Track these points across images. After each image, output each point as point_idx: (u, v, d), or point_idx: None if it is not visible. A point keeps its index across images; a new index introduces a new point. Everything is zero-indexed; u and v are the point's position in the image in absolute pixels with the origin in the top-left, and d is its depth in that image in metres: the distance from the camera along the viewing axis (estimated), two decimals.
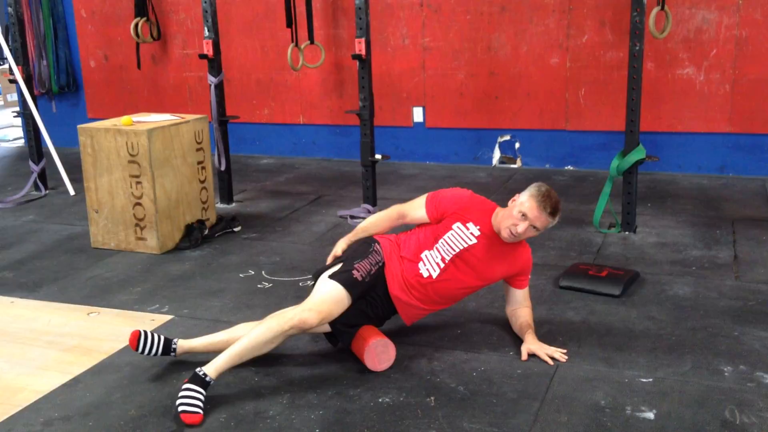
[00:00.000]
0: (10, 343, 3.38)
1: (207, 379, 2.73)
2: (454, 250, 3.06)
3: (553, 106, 6.40)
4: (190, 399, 2.67)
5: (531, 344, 3.08)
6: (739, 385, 2.80)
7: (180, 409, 2.65)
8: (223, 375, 2.83)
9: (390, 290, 3.07)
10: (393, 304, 3.11)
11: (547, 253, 4.36)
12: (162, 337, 3.04)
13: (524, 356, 3.04)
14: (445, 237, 3.09)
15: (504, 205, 3.14)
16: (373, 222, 3.28)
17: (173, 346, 3.04)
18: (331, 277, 3.00)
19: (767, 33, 5.73)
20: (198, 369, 2.75)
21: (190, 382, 2.72)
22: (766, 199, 5.37)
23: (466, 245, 3.06)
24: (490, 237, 3.08)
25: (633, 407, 2.67)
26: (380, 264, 3.08)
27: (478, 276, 3.11)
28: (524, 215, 2.98)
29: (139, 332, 3.01)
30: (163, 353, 3.03)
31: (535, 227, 3.00)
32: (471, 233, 3.07)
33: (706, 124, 6.04)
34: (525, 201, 3.00)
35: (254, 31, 7.15)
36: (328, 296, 2.93)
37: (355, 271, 3.00)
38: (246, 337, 2.83)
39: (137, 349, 2.99)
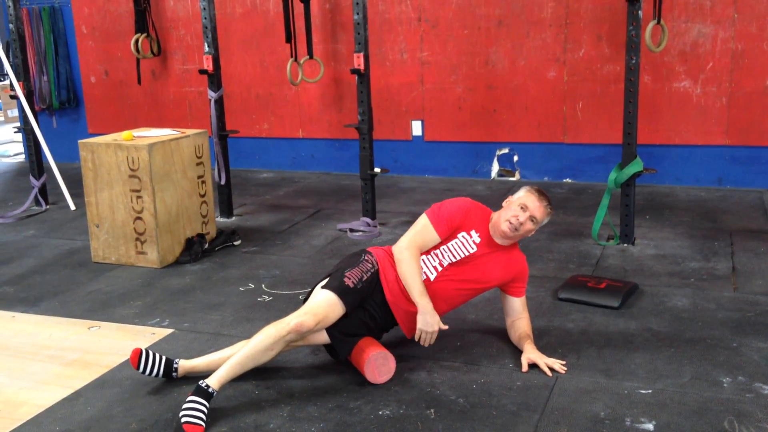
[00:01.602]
0: (11, 358, 3.39)
1: (210, 390, 2.75)
2: (455, 258, 3.12)
3: (551, 120, 6.43)
4: (193, 411, 2.69)
5: (531, 354, 3.10)
6: (738, 396, 2.81)
7: (183, 420, 2.67)
8: (225, 386, 2.85)
9: (387, 297, 3.10)
10: (391, 313, 3.13)
11: (546, 266, 4.37)
12: (164, 358, 3.04)
13: (525, 367, 3.06)
14: (448, 245, 3.14)
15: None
16: (414, 273, 3.03)
17: (175, 366, 3.04)
18: (324, 287, 3.05)
19: (762, 46, 5.78)
20: (201, 381, 2.77)
21: (193, 394, 2.74)
22: (763, 211, 5.39)
23: (467, 254, 3.13)
24: (488, 242, 3.16)
25: (632, 419, 2.68)
26: (372, 271, 3.10)
27: (475, 278, 3.16)
28: (524, 206, 3.11)
29: (140, 350, 3.00)
30: (164, 375, 3.03)
31: (534, 219, 3.11)
32: (473, 241, 3.14)
33: (703, 137, 6.08)
34: (522, 195, 3.17)
35: (254, 46, 7.20)
36: (323, 301, 2.98)
37: (346, 279, 3.03)
38: (246, 346, 2.88)
39: (138, 368, 2.99)
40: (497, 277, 3.20)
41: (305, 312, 2.93)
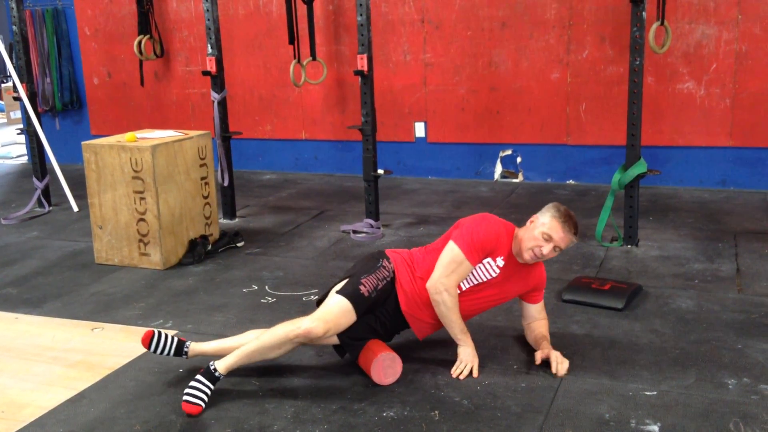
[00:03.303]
0: (15, 359, 3.39)
1: (217, 374, 2.88)
2: (475, 282, 3.10)
3: (555, 121, 6.42)
4: (196, 391, 2.82)
5: (545, 350, 3.10)
6: (743, 398, 2.80)
7: (184, 398, 2.80)
8: (229, 387, 2.93)
9: (402, 307, 3.10)
10: (403, 319, 3.14)
11: (550, 267, 4.35)
12: (176, 339, 3.13)
13: (538, 360, 3.07)
14: (472, 270, 3.08)
15: (521, 224, 3.16)
16: (456, 314, 3.05)
17: (185, 349, 3.13)
18: (339, 292, 3.05)
19: (767, 47, 5.77)
20: (210, 363, 2.90)
21: (201, 375, 2.87)
22: (767, 213, 5.37)
23: (488, 278, 3.10)
24: (510, 261, 3.10)
25: (637, 420, 2.67)
26: (388, 279, 3.10)
27: (495, 297, 3.16)
28: (549, 237, 3.00)
29: (152, 332, 3.11)
30: (175, 354, 3.12)
31: (557, 248, 3.03)
32: (497, 266, 3.09)
33: (707, 138, 6.07)
34: (547, 222, 3.01)
35: (257, 47, 7.20)
36: (336, 308, 2.98)
37: (361, 286, 3.03)
38: (256, 340, 2.97)
39: (149, 348, 3.09)
40: (515, 292, 3.20)
41: (317, 318, 2.94)
